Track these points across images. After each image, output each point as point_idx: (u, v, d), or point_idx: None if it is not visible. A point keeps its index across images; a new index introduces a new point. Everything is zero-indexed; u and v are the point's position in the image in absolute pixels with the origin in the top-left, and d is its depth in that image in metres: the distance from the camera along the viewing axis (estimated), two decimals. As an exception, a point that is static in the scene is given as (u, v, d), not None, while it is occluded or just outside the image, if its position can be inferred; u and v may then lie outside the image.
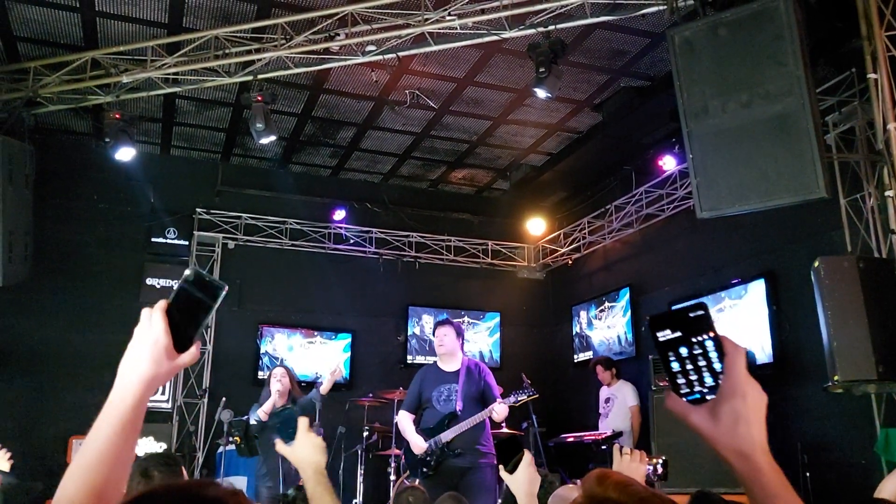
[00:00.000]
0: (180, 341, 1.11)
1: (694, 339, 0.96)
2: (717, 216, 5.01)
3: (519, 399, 5.07)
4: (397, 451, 6.78)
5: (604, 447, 7.31)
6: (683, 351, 0.96)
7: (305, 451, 1.92)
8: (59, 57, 6.54)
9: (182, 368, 1.14)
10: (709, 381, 0.96)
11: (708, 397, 0.97)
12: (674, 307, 1.00)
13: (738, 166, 4.83)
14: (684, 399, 0.98)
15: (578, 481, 2.90)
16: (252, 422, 5.75)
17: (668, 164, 7.89)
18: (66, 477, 1.07)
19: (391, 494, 6.61)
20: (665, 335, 0.96)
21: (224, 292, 1.11)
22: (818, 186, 4.51)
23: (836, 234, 5.90)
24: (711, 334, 0.95)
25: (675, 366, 0.97)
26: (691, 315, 0.96)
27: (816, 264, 4.62)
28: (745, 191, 4.80)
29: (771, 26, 4.62)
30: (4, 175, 6.36)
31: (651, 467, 2.38)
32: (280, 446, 1.97)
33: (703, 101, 4.90)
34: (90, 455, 1.07)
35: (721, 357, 0.96)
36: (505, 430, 6.22)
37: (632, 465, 2.06)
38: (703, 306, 0.96)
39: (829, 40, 5.83)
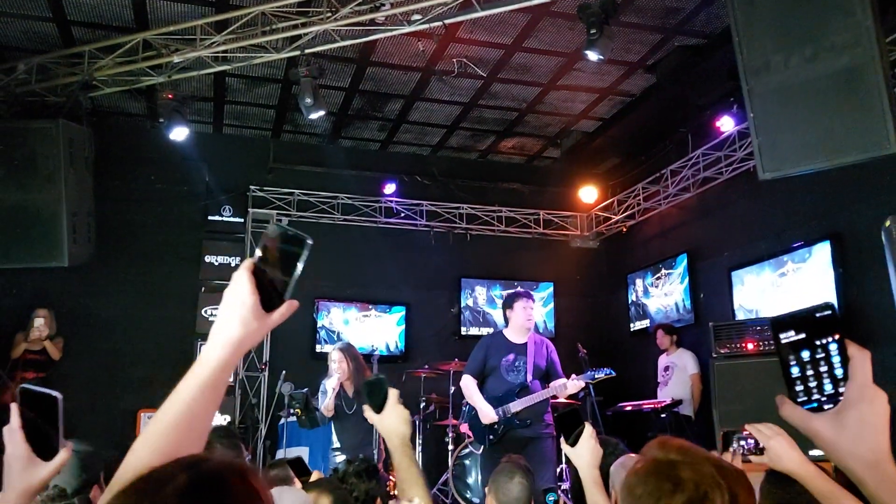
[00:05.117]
0: (270, 300, 1.05)
1: (818, 342, 0.93)
2: (781, 177, 4.82)
3: (596, 377, 5.06)
4: (454, 422, 6.81)
5: (663, 416, 7.22)
6: (805, 354, 0.93)
7: (393, 421, 1.95)
8: (112, 39, 6.65)
9: (274, 326, 1.09)
10: (828, 388, 0.93)
11: (825, 406, 0.94)
12: (798, 309, 0.96)
13: (802, 124, 4.63)
14: (802, 407, 0.95)
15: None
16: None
17: (727, 125, 7.62)
18: (140, 440, 1.02)
19: (450, 464, 6.67)
20: (788, 337, 0.94)
21: (309, 243, 1.05)
22: (889, 142, 4.30)
23: (908, 192, 5.63)
24: (836, 336, 0.93)
25: (796, 370, 0.94)
26: (818, 315, 0.93)
27: (888, 224, 4.41)
28: (810, 149, 4.60)
29: (837, -27, 4.38)
30: (66, 158, 6.53)
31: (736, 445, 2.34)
32: (368, 413, 1.98)
33: (764, 56, 4.70)
34: (168, 418, 1.02)
35: (843, 362, 0.93)
36: (561, 399, 6.20)
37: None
38: (831, 306, 0.94)
39: (899, -14, 5.50)
